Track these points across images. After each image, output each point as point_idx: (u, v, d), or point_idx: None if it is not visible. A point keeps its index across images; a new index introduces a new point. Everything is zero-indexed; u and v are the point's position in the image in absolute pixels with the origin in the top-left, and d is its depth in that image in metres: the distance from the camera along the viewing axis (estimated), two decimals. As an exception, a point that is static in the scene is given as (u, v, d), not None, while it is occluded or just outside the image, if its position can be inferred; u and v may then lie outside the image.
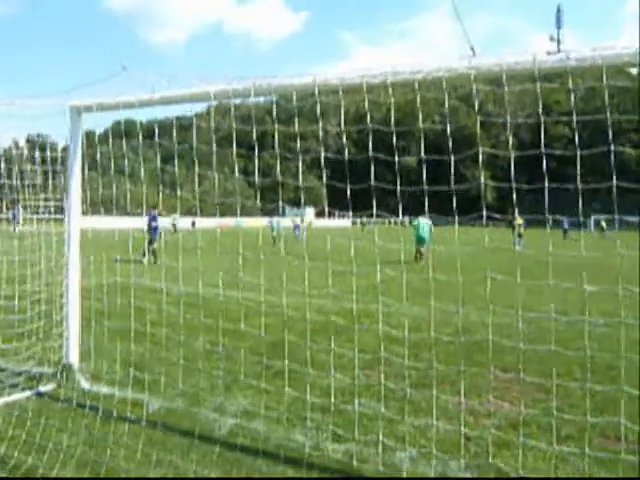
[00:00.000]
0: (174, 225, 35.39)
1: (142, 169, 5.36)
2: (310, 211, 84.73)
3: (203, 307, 7.46)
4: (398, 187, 4.42)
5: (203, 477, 4.05)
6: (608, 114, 3.63)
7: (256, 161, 4.80)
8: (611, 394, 5.29)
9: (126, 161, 5.84)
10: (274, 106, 5.12)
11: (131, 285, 6.56)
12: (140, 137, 5.08)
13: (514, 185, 3.93)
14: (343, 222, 73.11)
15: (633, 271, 8.19)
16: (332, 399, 5.06)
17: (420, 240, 22.53)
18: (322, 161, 4.43)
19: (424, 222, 22.90)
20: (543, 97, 3.68)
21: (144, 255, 20.79)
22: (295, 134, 4.86)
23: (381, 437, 4.50)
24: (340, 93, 3.94)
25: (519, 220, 36.18)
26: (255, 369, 6.52)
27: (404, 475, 4.13)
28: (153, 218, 21.88)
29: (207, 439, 4.66)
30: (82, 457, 4.25)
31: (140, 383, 5.70)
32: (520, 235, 35.03)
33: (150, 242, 21.41)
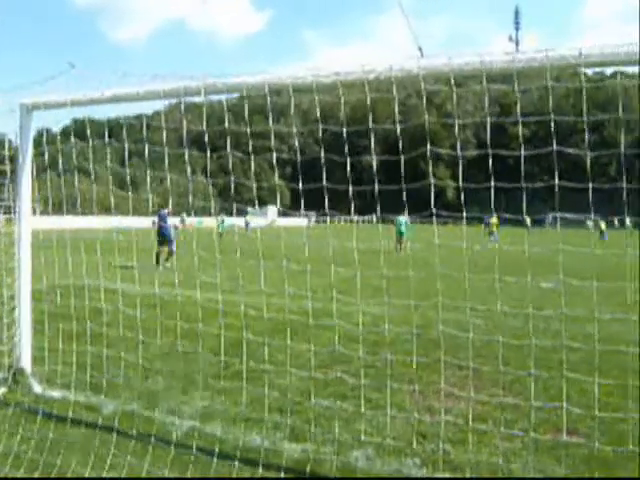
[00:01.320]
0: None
1: (105, 167, 5.23)
2: (273, 210, 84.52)
3: (161, 308, 7.34)
4: (350, 187, 4.38)
5: (157, 477, 3.97)
6: (552, 115, 3.67)
7: (208, 161, 4.72)
8: (565, 389, 5.35)
9: (102, 160, 5.68)
10: (225, 105, 5.06)
11: (86, 286, 6.40)
12: (107, 135, 4.94)
13: (492, 184, 3.93)
14: (306, 221, 73.12)
15: (583, 266, 8.35)
16: (290, 399, 5.03)
17: (400, 234, 27.91)
18: (275, 161, 4.39)
19: (402, 219, 27.95)
20: (502, 97, 3.71)
21: (157, 261, 18.70)
22: (256, 133, 4.80)
23: (338, 435, 4.51)
24: (291, 92, 3.90)
25: (494, 219, 38.43)
26: (213, 370, 6.44)
27: (358, 473, 4.13)
28: (162, 218, 19.88)
29: (163, 442, 4.57)
30: (33, 461, 4.15)
31: (95, 386, 5.59)
32: (492, 232, 37.87)
33: (161, 243, 19.37)
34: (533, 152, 3.88)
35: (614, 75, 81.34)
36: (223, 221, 38.48)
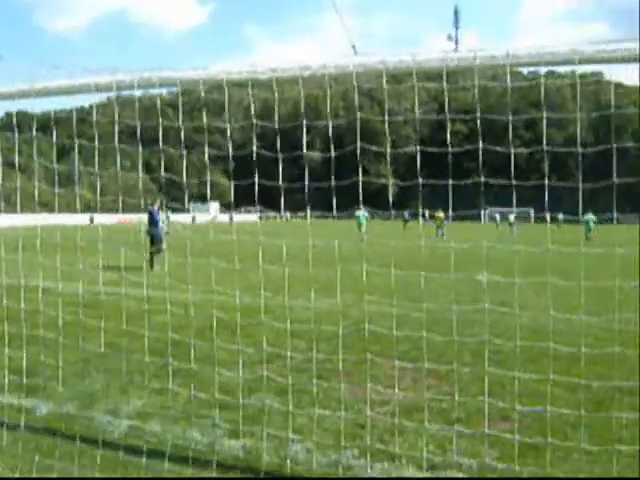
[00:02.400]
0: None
1: (40, 162, 5.06)
2: (215, 206, 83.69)
3: (101, 307, 7.19)
4: (280, 182, 4.38)
5: (90, 478, 3.92)
6: (478, 115, 3.79)
7: (140, 156, 4.65)
8: (499, 377, 5.53)
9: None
10: (158, 100, 4.99)
11: (21, 286, 6.19)
12: (34, 129, 4.78)
13: (450, 182, 4.00)
14: (249, 217, 72.72)
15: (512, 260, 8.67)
16: (230, 395, 5.02)
17: (359, 225, 35.87)
18: (206, 156, 4.35)
19: (362, 213, 36.02)
20: (441, 94, 3.80)
21: (151, 261, 17.60)
22: (198, 128, 4.74)
23: (277, 431, 4.55)
24: (225, 87, 3.87)
25: (440, 214, 41.91)
26: (152, 369, 6.36)
27: (298, 467, 4.18)
28: (152, 216, 18.82)
29: (98, 443, 4.48)
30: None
31: (30, 388, 5.43)
32: (440, 227, 41.25)
33: (152, 243, 18.30)
34: (462, 149, 3.99)
35: (547, 75, 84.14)
36: (168, 217, 37.95)
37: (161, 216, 19.25)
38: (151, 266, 17.24)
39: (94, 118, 4.71)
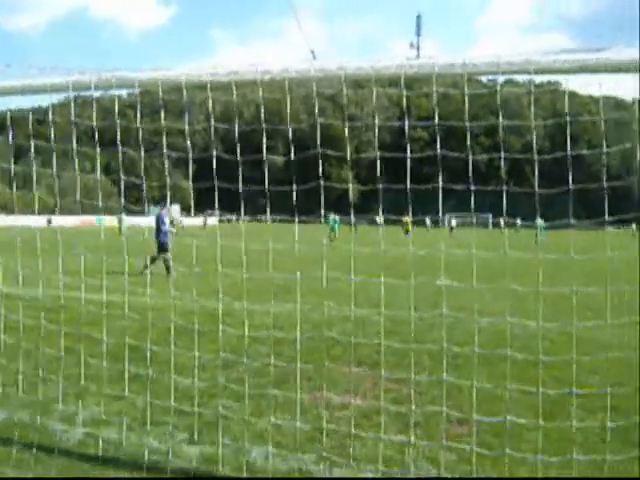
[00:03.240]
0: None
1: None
2: (176, 209, 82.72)
3: (61, 311, 7.03)
4: (237, 185, 4.37)
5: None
6: (437, 119, 3.85)
7: (98, 158, 4.57)
8: (456, 381, 5.60)
9: None
10: (116, 101, 4.92)
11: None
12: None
13: (434, 185, 4.03)
14: (211, 220, 72.10)
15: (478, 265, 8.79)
16: (190, 401, 4.97)
17: (332, 229, 38.64)
18: (165, 159, 4.31)
19: (333, 217, 39.34)
20: (402, 100, 3.85)
21: (146, 266, 15.40)
22: (158, 130, 4.69)
23: (236, 437, 4.53)
24: (184, 90, 3.84)
25: (407, 219, 42.22)
26: (110, 374, 6.23)
27: (258, 473, 4.16)
28: (161, 220, 17.40)
29: (53, 451, 4.38)
30: None
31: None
32: (407, 231, 43.31)
33: (160, 249, 16.90)
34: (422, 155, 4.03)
35: (506, 83, 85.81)
36: (120, 220, 37.65)
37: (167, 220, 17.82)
38: (145, 268, 15.67)
39: (51, 118, 4.61)
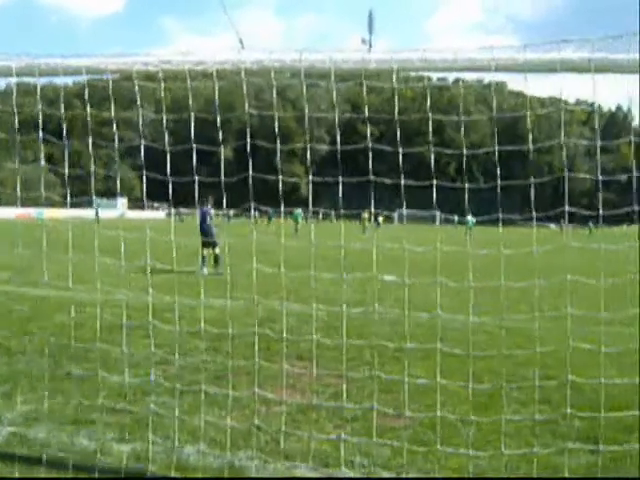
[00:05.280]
0: None
1: None
2: (123, 202, 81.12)
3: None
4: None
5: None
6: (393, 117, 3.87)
7: (42, 147, 4.42)
8: (396, 375, 5.67)
9: None
10: (48, 89, 4.77)
11: None
12: None
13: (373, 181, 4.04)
14: (157, 214, 71.05)
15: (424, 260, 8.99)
16: (123, 398, 4.87)
17: (296, 221, 42.32)
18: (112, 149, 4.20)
19: (298, 212, 43.28)
20: (354, 96, 3.87)
21: (203, 264, 15.85)
22: (105, 120, 4.59)
23: (170, 434, 4.43)
24: (109, 78, 3.74)
25: (365, 214, 44.55)
26: (41, 372, 6.06)
27: (189, 470, 4.10)
28: (208, 216, 16.81)
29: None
30: None
31: None
32: (366, 226, 44.70)
33: (205, 245, 16.41)
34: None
35: (455, 82, 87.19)
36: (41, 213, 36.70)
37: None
38: (217, 270, 15.78)
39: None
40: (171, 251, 4.39)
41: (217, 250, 16.38)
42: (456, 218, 56.50)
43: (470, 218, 44.63)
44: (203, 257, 16.11)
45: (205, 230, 16.58)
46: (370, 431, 4.67)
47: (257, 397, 5.46)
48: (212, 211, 17.04)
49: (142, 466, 4.12)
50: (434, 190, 3.85)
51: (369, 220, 46.14)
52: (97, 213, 48.04)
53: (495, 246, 4.52)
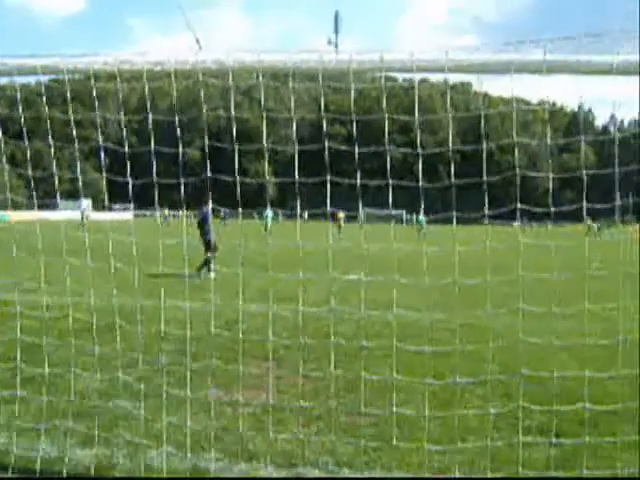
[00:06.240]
0: None
1: None
2: (87, 203, 79.84)
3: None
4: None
5: None
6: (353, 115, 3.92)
7: (1, 146, 4.35)
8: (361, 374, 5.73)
9: None
10: (10, 88, 4.70)
11: None
12: None
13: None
14: (125, 215, 70.08)
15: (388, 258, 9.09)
16: (86, 403, 4.81)
17: (266, 222, 39.39)
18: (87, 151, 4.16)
19: (268, 212, 41.21)
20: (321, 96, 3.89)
21: (208, 269, 15.32)
22: (69, 121, 4.52)
23: (136, 437, 4.40)
24: (42, 78, 3.70)
25: (340, 214, 43.99)
26: (3, 376, 5.96)
27: (154, 473, 4.08)
28: (204, 218, 16.33)
29: None
30: None
31: None
32: (340, 227, 42.56)
33: (209, 249, 15.89)
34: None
35: (420, 82, 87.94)
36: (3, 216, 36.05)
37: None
38: (209, 270, 15.29)
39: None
40: (136, 252, 4.32)
41: (215, 254, 15.90)
42: (408, 217, 57.01)
43: (422, 217, 44.97)
44: (207, 259, 15.61)
45: (206, 233, 16.13)
46: (335, 429, 4.72)
47: (224, 398, 5.46)
48: (208, 212, 16.56)
49: (106, 471, 4.09)
50: (389, 190, 3.90)
51: (344, 220, 44.84)
52: (82, 216, 47.40)
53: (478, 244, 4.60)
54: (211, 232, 16.23)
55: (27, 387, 5.40)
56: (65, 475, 4.02)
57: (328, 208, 4.00)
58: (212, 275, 14.87)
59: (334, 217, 45.92)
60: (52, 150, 4.59)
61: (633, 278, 8.35)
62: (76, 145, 4.62)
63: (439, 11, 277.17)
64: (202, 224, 16.26)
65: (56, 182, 5.01)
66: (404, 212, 73.95)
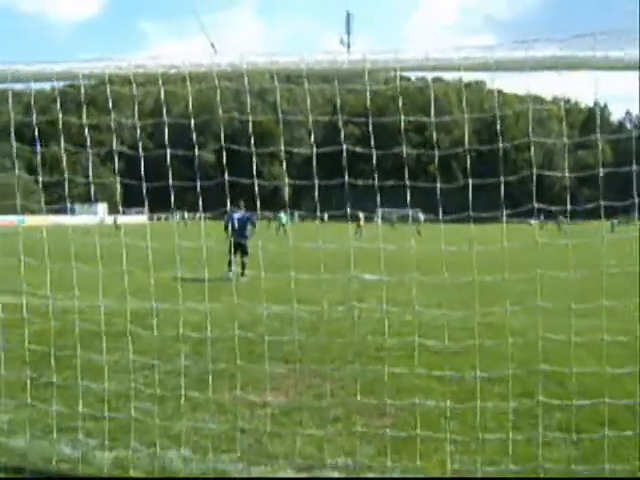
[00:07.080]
0: None
1: None
2: (103, 207, 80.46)
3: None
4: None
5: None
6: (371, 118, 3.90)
7: (14, 151, 4.38)
8: (379, 374, 5.70)
9: None
10: (27, 95, 4.73)
11: None
12: None
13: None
14: (139, 218, 70.51)
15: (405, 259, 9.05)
16: (105, 405, 4.83)
17: (281, 226, 41.14)
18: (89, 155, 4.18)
19: (282, 215, 42.91)
20: (335, 97, 3.88)
21: (229, 268, 15.89)
22: (85, 125, 4.55)
23: (154, 439, 4.41)
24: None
25: (361, 215, 43.11)
26: (21, 381, 6.00)
27: (173, 474, 4.10)
28: (231, 219, 16.53)
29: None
30: None
31: None
32: (359, 227, 42.96)
33: (235, 249, 16.27)
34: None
35: (434, 81, 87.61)
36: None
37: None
38: (242, 274, 15.82)
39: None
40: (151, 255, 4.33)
41: (246, 258, 16.23)
42: (422, 216, 56.72)
43: (420, 216, 45.35)
44: (230, 261, 16.08)
45: (242, 236, 16.41)
46: (354, 431, 4.69)
47: (241, 400, 5.46)
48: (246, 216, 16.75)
49: (124, 473, 4.09)
50: (406, 190, 3.88)
51: (364, 220, 44.46)
52: (115, 220, 47.88)
53: (495, 243, 4.56)
54: (247, 236, 16.55)
55: (45, 392, 5.44)
56: (83, 476, 4.04)
57: (348, 210, 3.99)
58: (231, 274, 15.56)
59: (355, 218, 45.59)
60: (65, 155, 4.61)
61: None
62: (88, 148, 4.64)
63: (450, 11, 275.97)
64: (234, 227, 16.47)
65: (66, 186, 5.04)
66: (420, 211, 73.51)
